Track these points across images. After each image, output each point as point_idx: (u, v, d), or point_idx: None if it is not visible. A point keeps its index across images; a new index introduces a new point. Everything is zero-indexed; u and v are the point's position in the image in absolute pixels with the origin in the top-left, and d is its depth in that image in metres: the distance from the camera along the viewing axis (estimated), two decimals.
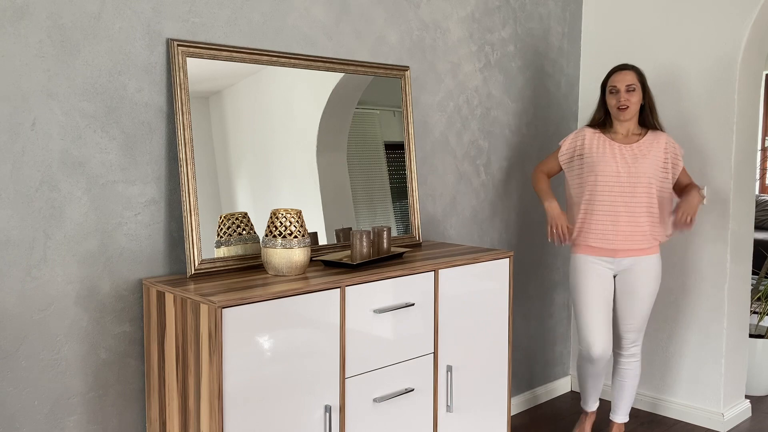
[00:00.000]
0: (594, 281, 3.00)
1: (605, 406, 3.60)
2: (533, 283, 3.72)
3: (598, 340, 3.00)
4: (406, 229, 2.92)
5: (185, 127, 2.24)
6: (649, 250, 2.99)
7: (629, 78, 2.93)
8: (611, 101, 2.97)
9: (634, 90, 2.93)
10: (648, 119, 3.01)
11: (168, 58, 2.25)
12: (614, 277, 3.05)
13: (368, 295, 2.27)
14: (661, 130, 3.03)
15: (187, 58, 2.26)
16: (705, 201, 2.99)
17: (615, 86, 2.95)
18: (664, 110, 3.53)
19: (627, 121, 2.98)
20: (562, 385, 3.95)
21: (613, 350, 3.16)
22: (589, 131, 3.04)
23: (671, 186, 3.02)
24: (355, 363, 2.25)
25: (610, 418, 3.25)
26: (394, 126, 2.92)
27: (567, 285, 3.90)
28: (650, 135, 3.00)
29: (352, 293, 2.22)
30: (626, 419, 3.23)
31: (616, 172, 2.93)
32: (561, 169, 3.14)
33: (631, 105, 2.93)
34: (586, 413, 3.27)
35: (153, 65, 2.22)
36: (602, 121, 3.05)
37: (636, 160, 2.94)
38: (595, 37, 3.82)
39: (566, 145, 3.09)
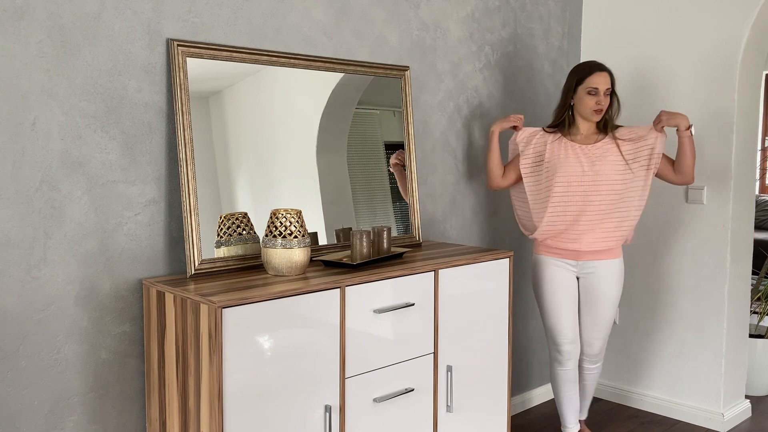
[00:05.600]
0: (558, 283, 3.00)
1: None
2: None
3: (566, 339, 3.03)
4: (406, 229, 2.92)
5: (185, 127, 2.24)
6: (612, 252, 2.97)
7: (608, 81, 2.91)
8: (588, 102, 2.89)
9: (609, 93, 2.93)
10: (608, 122, 2.96)
11: (168, 58, 2.25)
12: (578, 279, 3.05)
13: (368, 295, 2.27)
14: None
15: (187, 58, 2.26)
16: (692, 130, 2.87)
17: (596, 88, 2.88)
18: (663, 110, 3.53)
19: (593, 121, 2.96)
20: None
21: (580, 356, 3.14)
22: (547, 135, 2.99)
23: (642, 183, 2.93)
24: (355, 363, 2.25)
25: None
26: (394, 126, 2.92)
27: None
28: (609, 137, 2.95)
29: (352, 293, 2.22)
30: (586, 415, 3.29)
31: (581, 172, 2.89)
32: (518, 179, 3.06)
33: (605, 108, 2.92)
34: None
35: (153, 65, 2.22)
36: (565, 121, 2.98)
37: (599, 159, 2.90)
38: (595, 37, 3.81)
39: (522, 141, 3.02)
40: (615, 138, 2.93)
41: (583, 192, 2.90)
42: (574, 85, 2.95)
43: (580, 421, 3.26)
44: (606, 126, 2.97)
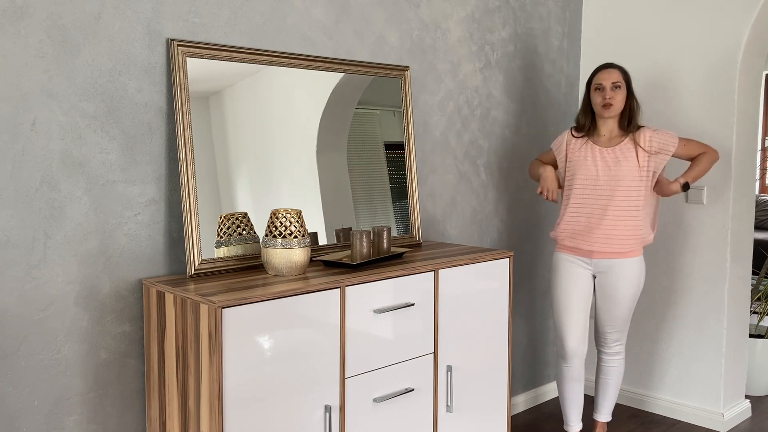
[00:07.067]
0: (570, 280, 3.04)
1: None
2: (533, 283, 3.72)
3: (572, 336, 3.05)
4: (406, 229, 2.92)
5: (185, 127, 2.24)
6: (628, 253, 2.97)
7: (615, 76, 2.93)
8: (596, 98, 2.95)
9: (619, 87, 2.92)
10: (630, 122, 2.96)
11: (168, 58, 2.25)
12: (594, 277, 3.06)
13: (368, 295, 2.27)
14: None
15: (187, 58, 2.26)
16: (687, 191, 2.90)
17: (601, 83, 2.94)
18: (664, 110, 3.53)
19: (610, 119, 2.96)
20: None
21: (597, 348, 3.20)
22: (573, 138, 3.05)
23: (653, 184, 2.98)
24: (355, 363, 2.25)
25: (594, 417, 3.26)
26: (394, 126, 2.92)
27: None
28: (629, 140, 2.95)
29: (352, 293, 2.22)
30: (609, 418, 3.25)
31: (596, 175, 2.94)
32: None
33: (615, 103, 2.91)
34: None
35: (153, 65, 2.22)
36: (587, 124, 3.01)
37: (617, 163, 2.92)
38: (595, 37, 3.82)
39: (555, 147, 3.13)
40: (636, 144, 2.93)
41: (599, 195, 2.94)
42: (587, 88, 3.02)
43: (600, 423, 3.24)
44: (629, 125, 2.97)
